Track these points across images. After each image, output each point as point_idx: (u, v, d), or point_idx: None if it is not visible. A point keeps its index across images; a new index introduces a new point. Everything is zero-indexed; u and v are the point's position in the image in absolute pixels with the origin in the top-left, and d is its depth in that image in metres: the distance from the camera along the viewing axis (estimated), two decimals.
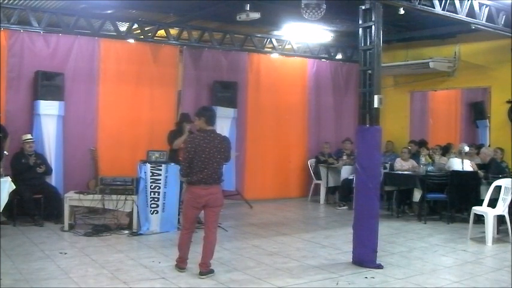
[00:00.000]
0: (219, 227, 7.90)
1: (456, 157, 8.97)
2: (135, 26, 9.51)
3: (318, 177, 10.85)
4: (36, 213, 7.88)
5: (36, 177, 8.05)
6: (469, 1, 7.59)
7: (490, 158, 8.97)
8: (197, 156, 5.38)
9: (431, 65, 10.20)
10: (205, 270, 5.48)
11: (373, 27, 6.05)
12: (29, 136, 8.15)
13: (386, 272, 5.79)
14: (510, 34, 8.49)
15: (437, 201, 9.07)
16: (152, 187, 7.55)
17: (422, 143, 10.69)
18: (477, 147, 10.21)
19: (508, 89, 9.52)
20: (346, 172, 10.23)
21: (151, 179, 7.55)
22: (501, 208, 7.30)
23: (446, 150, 10.22)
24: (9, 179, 6.86)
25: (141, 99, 9.60)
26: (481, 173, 8.56)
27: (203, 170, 5.38)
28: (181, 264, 5.67)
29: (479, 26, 7.97)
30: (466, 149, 9.14)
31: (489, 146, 10.34)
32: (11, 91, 8.32)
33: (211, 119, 5.60)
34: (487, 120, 11.57)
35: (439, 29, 9.92)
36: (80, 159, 8.77)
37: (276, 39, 10.91)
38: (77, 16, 8.73)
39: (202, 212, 8.74)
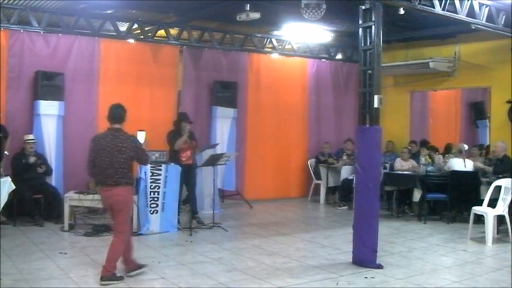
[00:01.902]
0: (219, 227, 7.96)
1: (456, 157, 8.96)
2: (135, 26, 9.50)
3: (318, 177, 10.86)
4: (36, 213, 7.88)
5: (36, 177, 8.04)
6: (469, 1, 7.58)
7: (504, 153, 8.78)
8: (98, 156, 5.19)
9: (431, 65, 10.19)
10: (105, 275, 5.13)
11: (373, 27, 6.05)
12: (30, 137, 8.14)
13: (386, 272, 5.79)
14: (510, 34, 8.48)
15: (437, 201, 9.07)
16: (152, 187, 7.56)
17: (424, 143, 10.69)
18: (480, 147, 10.20)
19: (508, 89, 9.51)
20: (346, 172, 10.24)
21: (151, 179, 7.56)
22: (501, 208, 7.30)
23: (447, 151, 10.18)
24: (9, 179, 6.87)
25: (141, 99, 9.59)
26: (489, 168, 8.49)
27: (105, 170, 5.16)
28: (126, 267, 5.41)
29: (479, 26, 7.97)
30: (466, 147, 9.14)
31: (489, 145, 10.35)
32: (11, 91, 8.31)
33: (113, 117, 5.30)
34: (487, 120, 11.57)
35: (439, 29, 9.91)
36: (80, 159, 8.67)
37: (276, 39, 10.91)
38: (77, 16, 8.72)
39: (203, 212, 8.86)
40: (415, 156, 10.03)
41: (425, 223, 8.67)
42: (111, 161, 5.14)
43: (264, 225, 8.49)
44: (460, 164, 8.70)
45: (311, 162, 11.18)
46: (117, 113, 5.31)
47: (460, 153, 8.95)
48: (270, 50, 11.12)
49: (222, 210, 9.42)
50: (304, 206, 10.68)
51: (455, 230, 8.14)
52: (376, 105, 6.04)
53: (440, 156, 9.66)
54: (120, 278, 5.25)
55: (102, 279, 5.14)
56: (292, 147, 11.43)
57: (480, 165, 8.77)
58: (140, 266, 5.52)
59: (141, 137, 5.79)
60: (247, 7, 7.89)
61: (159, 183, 7.59)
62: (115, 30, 9.26)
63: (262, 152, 10.92)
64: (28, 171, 7.95)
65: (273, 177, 11.10)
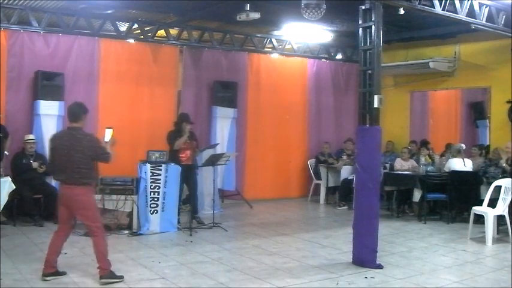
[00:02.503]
0: (219, 227, 7.96)
1: (455, 157, 8.94)
2: (135, 26, 9.50)
3: (318, 177, 10.86)
4: (36, 213, 7.88)
5: (36, 177, 8.04)
6: (469, 1, 7.58)
7: None
8: (57, 155, 5.17)
9: (431, 65, 10.19)
10: (103, 274, 5.14)
11: (373, 27, 6.05)
12: (31, 137, 8.15)
13: (386, 272, 5.79)
14: (510, 34, 8.48)
15: (437, 201, 9.07)
16: (152, 187, 7.56)
17: (424, 143, 10.70)
18: (480, 147, 10.20)
19: (508, 89, 9.51)
20: (346, 172, 10.24)
21: (151, 179, 7.56)
22: (501, 208, 7.29)
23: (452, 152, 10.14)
24: (9, 179, 6.86)
25: (141, 99, 9.60)
26: (507, 166, 8.43)
27: (65, 169, 5.12)
28: (44, 269, 5.22)
29: (479, 26, 7.96)
30: (463, 146, 9.15)
31: (489, 145, 10.35)
32: (11, 91, 8.31)
33: (70, 115, 5.28)
34: (487, 120, 11.57)
35: (439, 29, 9.92)
36: None
37: (276, 39, 10.90)
38: (77, 16, 8.72)
39: (203, 212, 8.86)
40: (413, 155, 10.03)
41: (425, 223, 8.66)
42: (69, 160, 5.09)
43: (264, 225, 8.49)
44: (460, 164, 8.70)
45: (311, 162, 11.18)
46: (75, 112, 5.27)
47: (458, 153, 8.95)
48: (270, 50, 11.12)
49: (222, 210, 9.42)
50: (304, 206, 10.68)
51: (455, 230, 8.14)
52: (376, 105, 6.03)
53: (437, 156, 9.67)
54: (120, 277, 5.24)
55: (101, 277, 5.14)
56: (292, 147, 11.43)
57: (505, 165, 8.64)
58: (60, 273, 5.33)
59: (108, 135, 5.72)
60: (247, 7, 7.89)
61: (159, 183, 7.59)
62: (115, 30, 9.26)
63: (262, 152, 10.92)
64: (28, 171, 7.95)
65: (273, 177, 11.10)
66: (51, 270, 5.25)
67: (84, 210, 5.22)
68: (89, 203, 5.28)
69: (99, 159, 5.29)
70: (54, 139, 5.32)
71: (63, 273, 5.34)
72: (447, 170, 8.77)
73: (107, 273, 5.16)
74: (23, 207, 7.78)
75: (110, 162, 5.34)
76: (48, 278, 5.20)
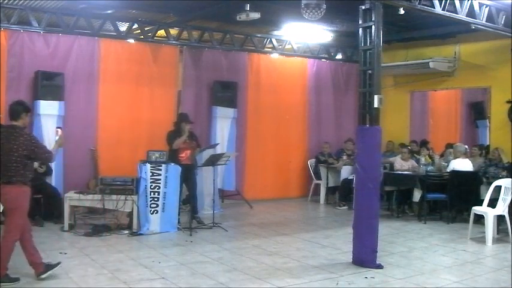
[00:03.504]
0: (219, 227, 7.96)
1: (458, 157, 8.92)
2: (135, 26, 9.50)
3: (318, 177, 10.86)
4: (36, 213, 7.86)
5: (36, 177, 7.97)
6: (469, 1, 7.58)
7: None
8: None
9: (431, 65, 10.19)
10: None
11: (373, 27, 6.05)
12: None
13: (386, 272, 5.79)
14: (510, 34, 8.48)
15: (437, 201, 9.07)
16: (152, 187, 7.56)
17: (424, 143, 10.69)
18: (480, 147, 10.21)
19: (508, 89, 9.50)
20: (346, 172, 10.24)
21: (151, 179, 7.56)
22: (501, 208, 7.30)
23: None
24: None
25: (141, 99, 9.60)
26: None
27: (2, 167, 5.04)
28: (35, 271, 5.22)
29: (479, 26, 7.96)
30: (466, 147, 9.16)
31: (489, 145, 10.35)
32: (11, 91, 8.29)
33: (10, 113, 5.19)
34: (487, 120, 11.57)
35: (439, 29, 9.91)
36: (80, 159, 8.76)
37: (276, 39, 10.91)
38: (77, 16, 8.72)
39: (203, 212, 8.86)
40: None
41: (425, 223, 8.66)
42: (5, 158, 5.03)
43: (264, 225, 8.49)
44: (463, 165, 8.68)
45: (311, 162, 11.18)
46: (15, 110, 5.20)
47: (463, 155, 8.94)
48: (270, 50, 11.12)
49: (222, 210, 9.42)
50: (304, 206, 10.68)
51: (455, 230, 8.15)
52: (376, 105, 6.04)
53: (437, 156, 9.67)
54: (16, 280, 5.11)
55: None
56: (292, 147, 11.43)
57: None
58: (49, 267, 5.29)
59: (57, 134, 5.68)
60: (247, 7, 7.89)
61: (159, 183, 7.59)
62: (115, 30, 9.26)
63: (262, 152, 10.92)
64: None
65: (273, 177, 11.10)
66: (41, 269, 5.23)
67: (12, 210, 5.12)
68: (19, 204, 5.15)
69: (38, 159, 5.24)
70: None
71: (56, 265, 5.33)
72: (450, 171, 8.76)
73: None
74: None
75: (51, 162, 5.33)
76: (43, 276, 5.19)
